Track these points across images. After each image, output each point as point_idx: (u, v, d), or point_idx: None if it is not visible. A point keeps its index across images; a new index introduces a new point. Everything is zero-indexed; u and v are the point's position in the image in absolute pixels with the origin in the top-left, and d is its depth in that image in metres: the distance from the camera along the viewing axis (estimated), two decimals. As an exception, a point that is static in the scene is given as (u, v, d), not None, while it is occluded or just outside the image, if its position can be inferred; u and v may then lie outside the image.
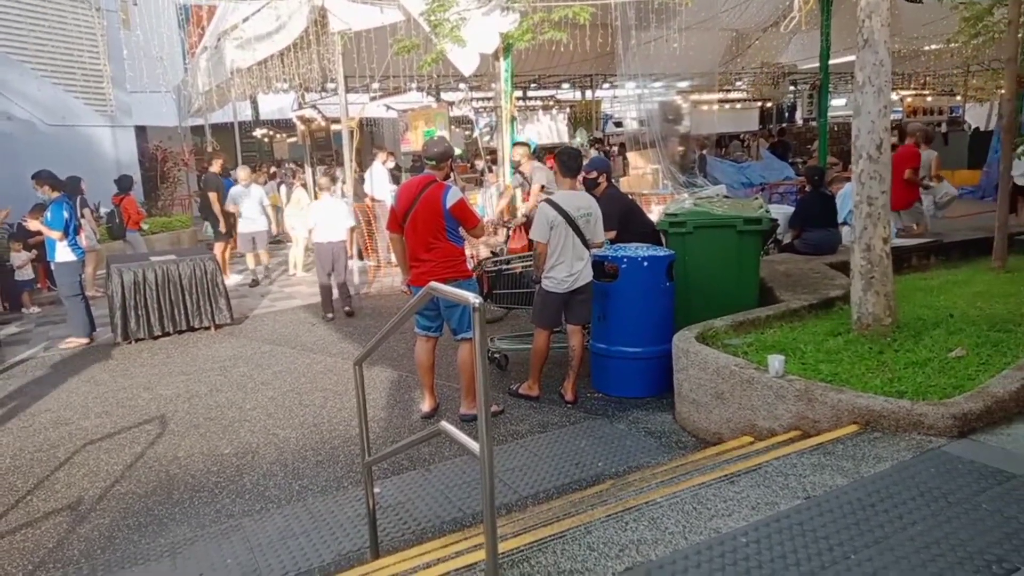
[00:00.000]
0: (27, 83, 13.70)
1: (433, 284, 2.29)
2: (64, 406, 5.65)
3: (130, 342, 7.37)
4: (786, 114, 20.30)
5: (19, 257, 9.26)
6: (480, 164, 14.80)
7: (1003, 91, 7.16)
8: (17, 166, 11.12)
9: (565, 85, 17.00)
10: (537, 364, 5.13)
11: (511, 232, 7.49)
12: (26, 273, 9.41)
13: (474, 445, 2.08)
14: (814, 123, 17.73)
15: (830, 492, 2.80)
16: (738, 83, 17.31)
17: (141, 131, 17.50)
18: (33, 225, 7.73)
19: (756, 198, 7.60)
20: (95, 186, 11.53)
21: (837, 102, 18.61)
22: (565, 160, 5.03)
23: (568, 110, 15.87)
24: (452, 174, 6.25)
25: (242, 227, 10.05)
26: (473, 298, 1.96)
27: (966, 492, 2.74)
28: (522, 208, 7.80)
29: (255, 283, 10.21)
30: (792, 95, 18.87)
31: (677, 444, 4.24)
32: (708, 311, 5.01)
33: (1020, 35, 6.12)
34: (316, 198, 9.08)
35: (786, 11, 10.47)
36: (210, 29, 12.19)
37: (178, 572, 3.28)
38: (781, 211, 7.99)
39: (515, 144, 7.96)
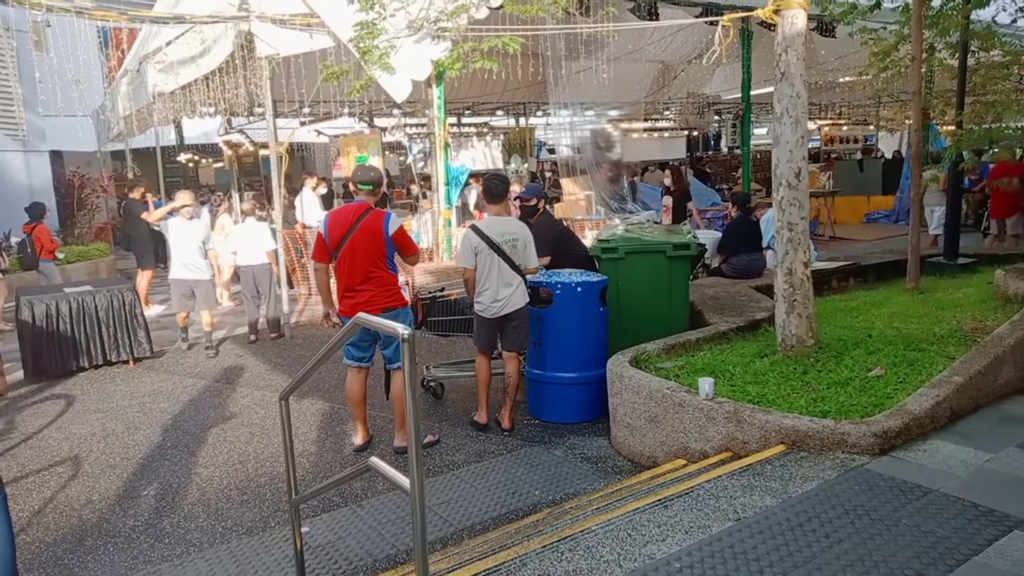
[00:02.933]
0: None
1: (361, 315, 2.22)
2: (-36, 450, 5.25)
3: (41, 380, 6.94)
4: (711, 142, 21.06)
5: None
6: (415, 190, 14.74)
7: (911, 122, 7.60)
8: (-84, 193, 10.48)
9: (499, 112, 17.18)
10: (480, 391, 5.07)
11: None
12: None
13: (404, 481, 2.01)
14: (738, 151, 18.47)
15: (760, 513, 2.84)
16: (666, 112, 17.87)
17: (57, 156, 16.72)
18: (-67, 256, 7.23)
19: (684, 224, 7.80)
20: (6, 214, 10.92)
21: (759, 131, 19.43)
22: (490, 186, 5.05)
23: (502, 137, 16.02)
24: (388, 200, 6.18)
25: (176, 272, 7.55)
26: (403, 330, 1.91)
27: (887, 508, 2.82)
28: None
29: (190, 346, 7.85)
30: (717, 124, 19.61)
31: (613, 469, 4.25)
32: (641, 335, 5.07)
33: (923, 70, 6.52)
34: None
35: (709, 44, 10.91)
36: (132, 52, 11.81)
37: (88, 627, 3.06)
38: (709, 236, 8.22)
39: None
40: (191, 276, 7.48)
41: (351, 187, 4.76)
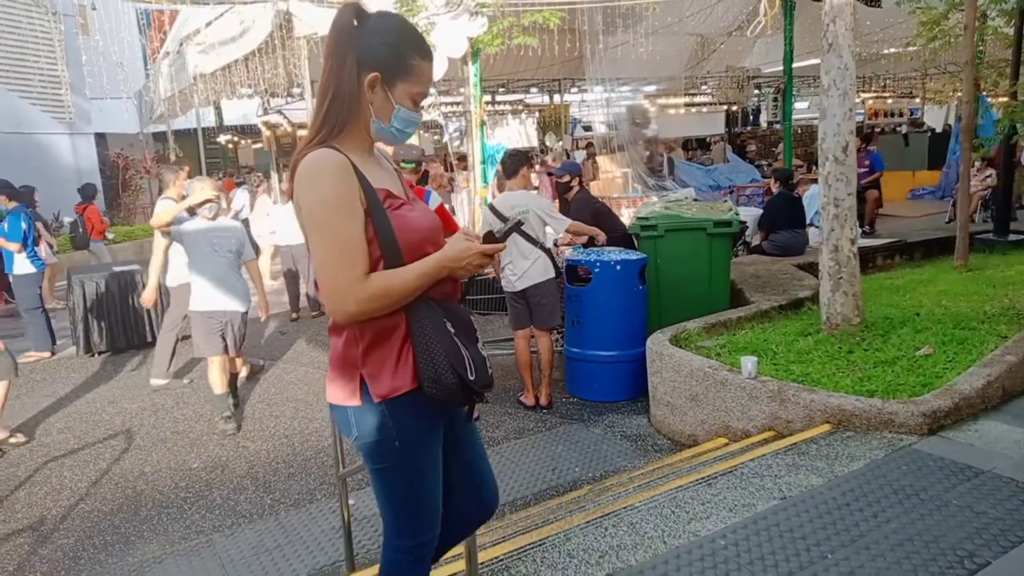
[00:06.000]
0: (-22, 90, 13.32)
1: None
2: (25, 423, 5.46)
3: (93, 355, 7.17)
4: (750, 117, 20.61)
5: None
6: (436, 168, 14.75)
7: (960, 94, 7.34)
8: (-29, 175, 10.81)
9: (534, 89, 17.02)
10: (522, 372, 5.09)
11: None
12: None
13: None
14: (778, 126, 18.06)
15: (805, 492, 2.82)
16: (703, 87, 17.52)
17: (101, 138, 17.11)
18: (-12, 236, 7.46)
19: (725, 200, 7.69)
20: (55, 195, 11.24)
21: (800, 105, 18.94)
22: (505, 162, 5.12)
23: (537, 114, 15.90)
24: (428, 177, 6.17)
25: (203, 302, 4.93)
26: None
27: (937, 489, 2.78)
28: None
29: (238, 427, 5.05)
30: (756, 98, 19.16)
31: (653, 447, 4.25)
32: (681, 313, 5.04)
33: (976, 39, 6.28)
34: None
35: (750, 16, 10.63)
36: (172, 34, 11.95)
37: (146, 592, 3.19)
38: (749, 213, 8.09)
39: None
40: (222, 306, 4.95)
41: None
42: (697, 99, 17.87)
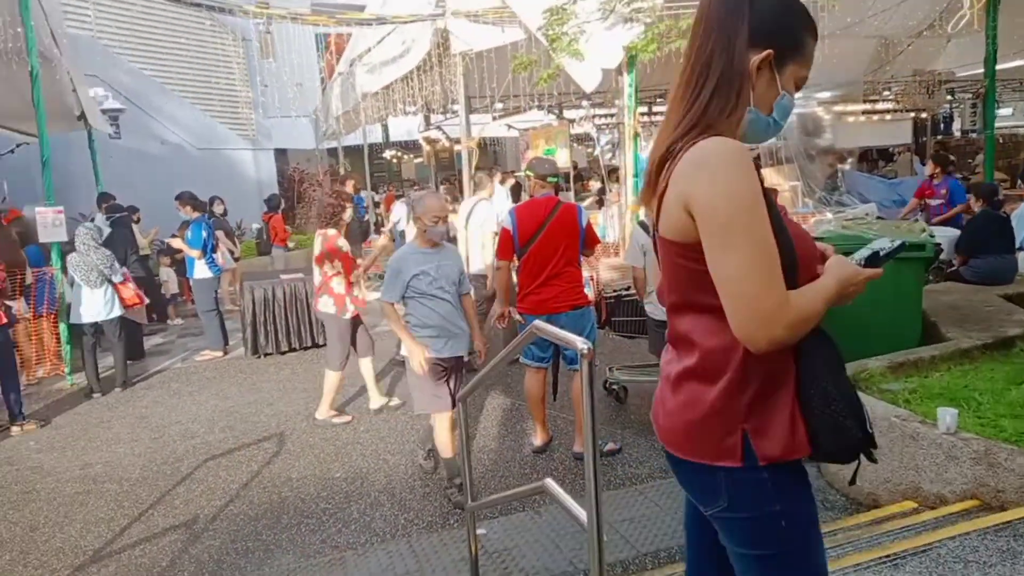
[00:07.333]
0: (178, 110, 14.91)
1: (539, 324, 2.02)
2: (193, 419, 5.86)
3: (259, 356, 7.64)
4: (941, 125, 18.52)
5: (166, 272, 9.94)
6: (593, 185, 14.50)
7: None
8: (170, 187, 12.10)
9: (693, 99, 16.32)
10: None
11: None
12: (172, 287, 10.08)
13: (580, 513, 1.77)
14: (975, 135, 16.04)
15: (1029, 590, 2.26)
16: (885, 92, 15.94)
17: (282, 153, 18.61)
18: (175, 243, 8.22)
19: (916, 220, 6.79)
20: (238, 205, 12.30)
21: (1003, 112, 16.75)
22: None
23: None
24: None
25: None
26: (581, 344, 1.67)
27: None
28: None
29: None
30: (949, 105, 17.18)
31: (824, 504, 3.69)
32: (861, 349, 4.39)
33: None
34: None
35: (943, 14, 9.46)
36: (344, 56, 12.72)
37: (278, 607, 3.19)
38: (945, 234, 7.09)
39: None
40: (450, 352, 4.07)
41: (530, 181, 4.57)
42: (878, 106, 16.30)
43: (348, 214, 5.76)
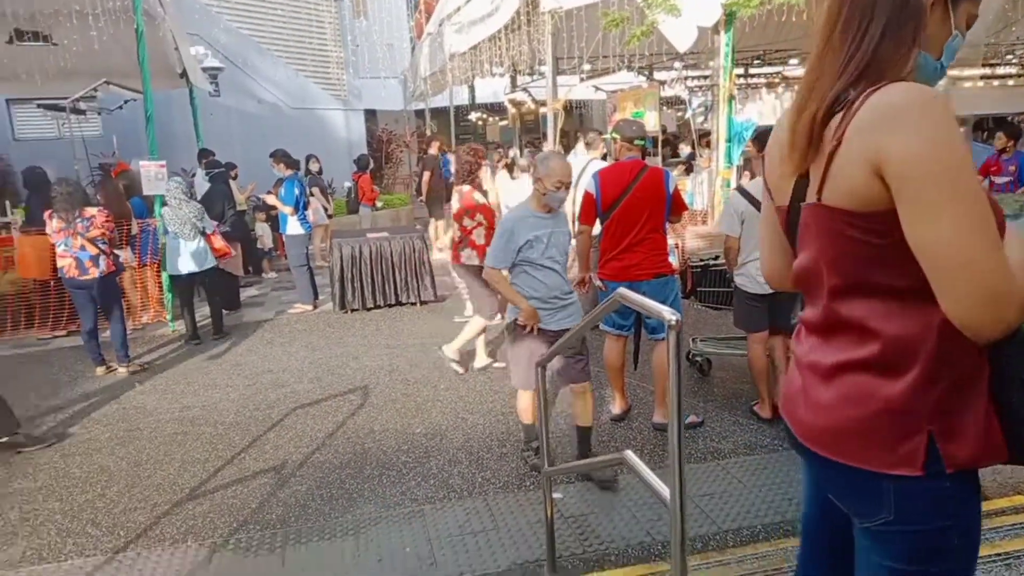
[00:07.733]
0: (274, 70, 15.32)
1: (623, 291, 1.95)
2: (284, 369, 6.12)
3: (346, 312, 7.89)
4: (1074, 91, 16.86)
5: (261, 227, 10.35)
6: (684, 150, 14.04)
7: None
8: (265, 145, 12.52)
9: (793, 61, 15.49)
10: (757, 379, 4.54)
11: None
12: (267, 242, 10.49)
13: (663, 490, 1.72)
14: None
15: None
16: (1008, 56, 14.63)
17: (371, 114, 18.91)
18: (269, 199, 8.51)
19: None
20: (328, 164, 12.62)
21: None
22: (764, 140, 4.40)
23: (796, 87, 14.45)
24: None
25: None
26: (670, 315, 1.60)
27: None
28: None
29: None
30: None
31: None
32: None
33: None
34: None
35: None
36: (434, 16, 12.70)
37: (359, 554, 3.30)
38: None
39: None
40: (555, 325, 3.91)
41: (616, 144, 4.43)
42: (999, 70, 14.99)
43: (484, 171, 5.93)
